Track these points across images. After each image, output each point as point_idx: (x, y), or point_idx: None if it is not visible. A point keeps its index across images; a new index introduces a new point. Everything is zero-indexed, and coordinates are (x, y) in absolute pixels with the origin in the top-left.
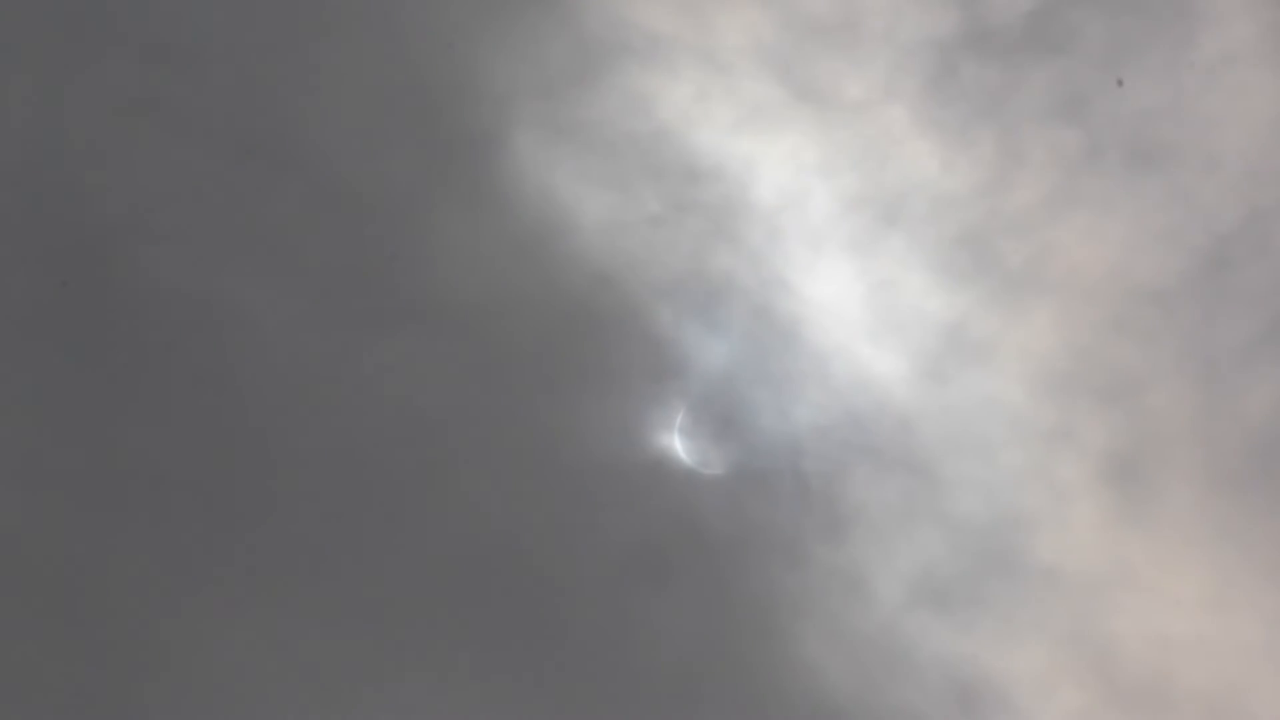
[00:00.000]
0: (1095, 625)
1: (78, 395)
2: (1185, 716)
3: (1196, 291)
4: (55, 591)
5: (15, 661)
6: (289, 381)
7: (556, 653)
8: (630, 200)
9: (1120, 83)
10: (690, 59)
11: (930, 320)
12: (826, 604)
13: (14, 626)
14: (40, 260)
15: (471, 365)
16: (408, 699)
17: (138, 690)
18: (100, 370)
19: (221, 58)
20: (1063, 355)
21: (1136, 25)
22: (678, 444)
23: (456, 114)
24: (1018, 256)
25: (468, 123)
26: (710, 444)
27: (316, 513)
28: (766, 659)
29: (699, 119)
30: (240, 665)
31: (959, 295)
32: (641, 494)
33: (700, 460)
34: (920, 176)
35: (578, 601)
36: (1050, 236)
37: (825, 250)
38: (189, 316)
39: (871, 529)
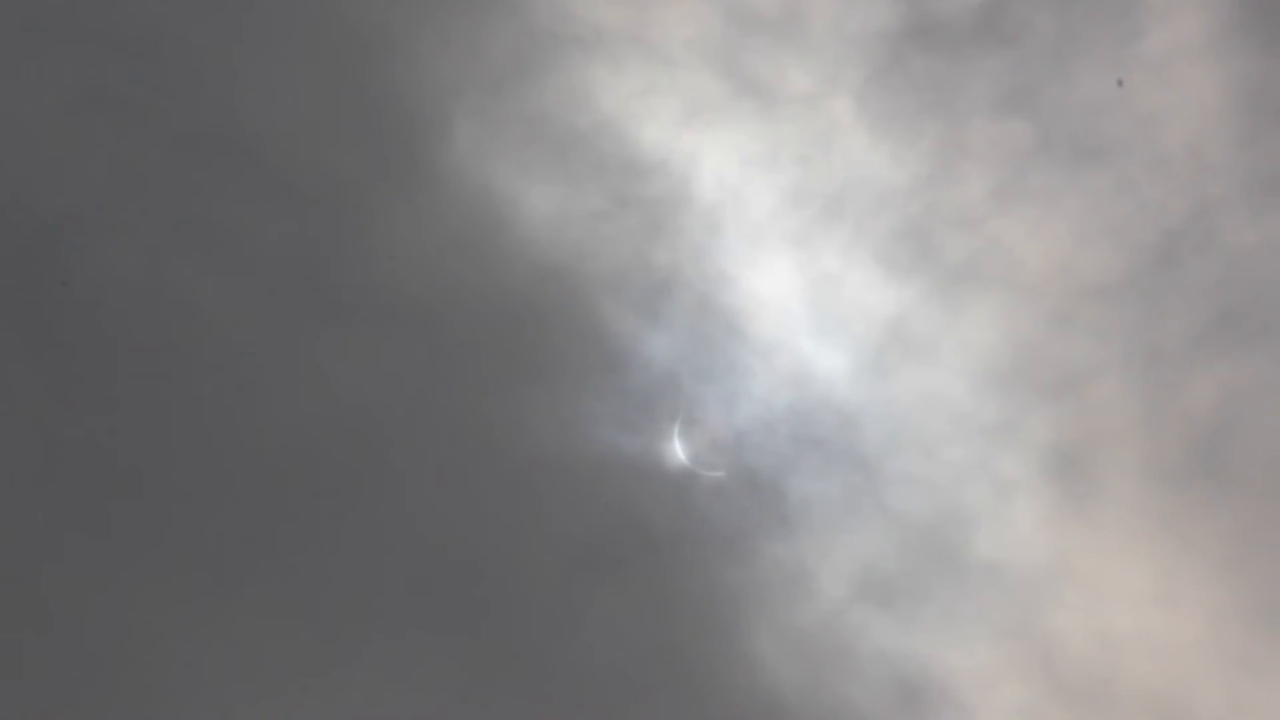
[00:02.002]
0: (1038, 620)
1: (24, 387)
2: (1128, 711)
3: (1142, 287)
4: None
5: None
6: (235, 374)
7: (503, 646)
8: (573, 194)
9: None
10: (633, 52)
11: (872, 315)
12: (771, 599)
13: None
14: None
15: (416, 358)
16: (355, 690)
17: (85, 681)
18: (46, 362)
19: (169, 53)
20: (1005, 350)
21: (1084, 19)
22: (625, 440)
23: (400, 108)
24: (961, 251)
25: (411, 116)
26: (655, 439)
27: (263, 506)
28: (711, 653)
29: (642, 113)
30: (188, 657)
31: (901, 290)
32: (586, 488)
33: (648, 455)
34: (864, 170)
35: (523, 596)
36: (995, 231)
37: (767, 245)
38: (134, 309)
39: (815, 524)
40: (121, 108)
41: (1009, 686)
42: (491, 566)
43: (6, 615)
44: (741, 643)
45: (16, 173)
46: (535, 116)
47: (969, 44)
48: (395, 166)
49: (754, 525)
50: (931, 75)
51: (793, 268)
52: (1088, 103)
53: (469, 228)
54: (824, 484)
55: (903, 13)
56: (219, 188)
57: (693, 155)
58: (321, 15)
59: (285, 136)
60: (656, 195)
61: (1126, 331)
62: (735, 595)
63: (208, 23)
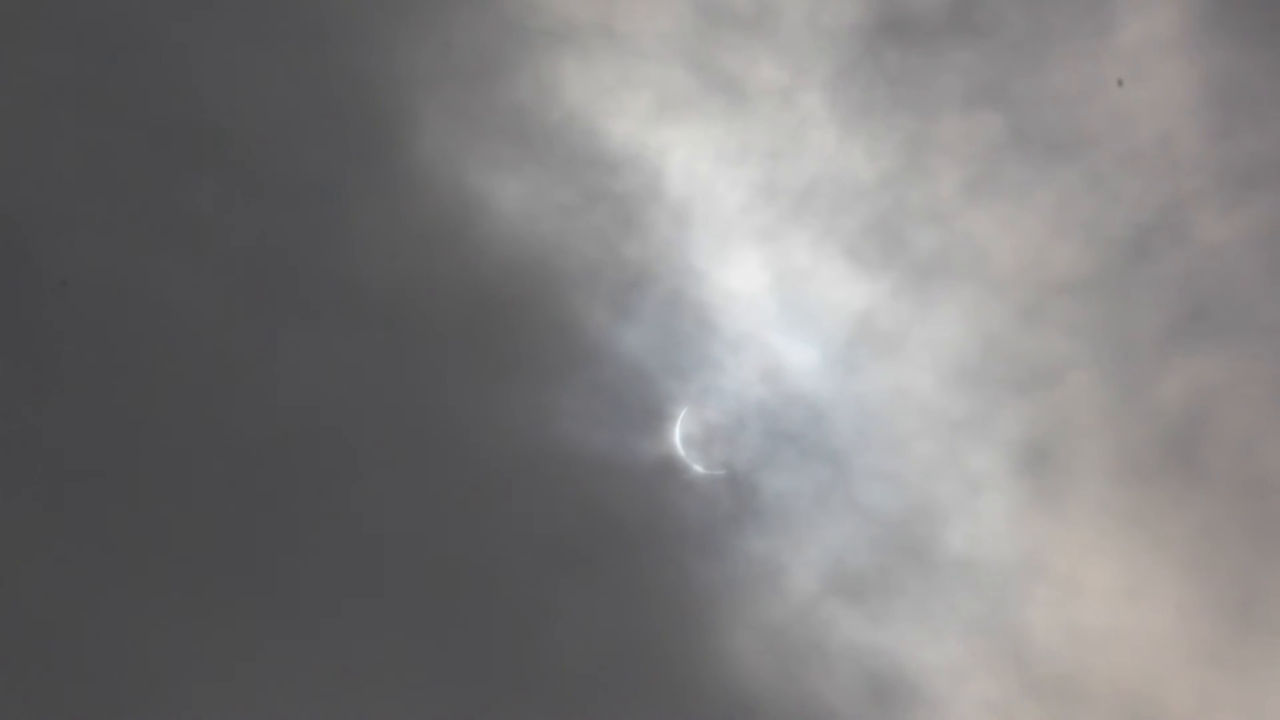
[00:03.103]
0: (1008, 616)
1: None
2: (1098, 706)
3: (1113, 282)
4: None
5: None
6: (203, 369)
7: (472, 643)
8: (543, 188)
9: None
10: (604, 46)
11: (843, 310)
12: (742, 594)
13: None
14: None
15: (386, 353)
16: (323, 688)
17: (51, 680)
18: (12, 357)
19: (137, 45)
20: (975, 345)
21: (1056, 13)
22: (595, 435)
23: (370, 101)
24: (932, 245)
25: (381, 110)
26: (626, 434)
27: (228, 501)
28: (682, 649)
29: (612, 107)
30: (150, 655)
31: (872, 284)
32: (557, 483)
33: (620, 450)
34: (835, 165)
35: (493, 592)
36: (966, 225)
37: (738, 239)
38: (101, 304)
39: (786, 519)
40: (88, 101)
41: (979, 681)
42: (461, 563)
43: None
44: (713, 638)
45: None
46: (505, 110)
47: (941, 38)
48: (365, 160)
49: (725, 520)
50: (903, 69)
51: (763, 262)
52: (1060, 97)
53: (438, 222)
54: (795, 479)
55: (874, 6)
56: (186, 182)
57: (663, 150)
58: (291, 8)
59: (253, 130)
60: (627, 190)
61: (1097, 327)
62: (706, 590)
63: (176, 15)
